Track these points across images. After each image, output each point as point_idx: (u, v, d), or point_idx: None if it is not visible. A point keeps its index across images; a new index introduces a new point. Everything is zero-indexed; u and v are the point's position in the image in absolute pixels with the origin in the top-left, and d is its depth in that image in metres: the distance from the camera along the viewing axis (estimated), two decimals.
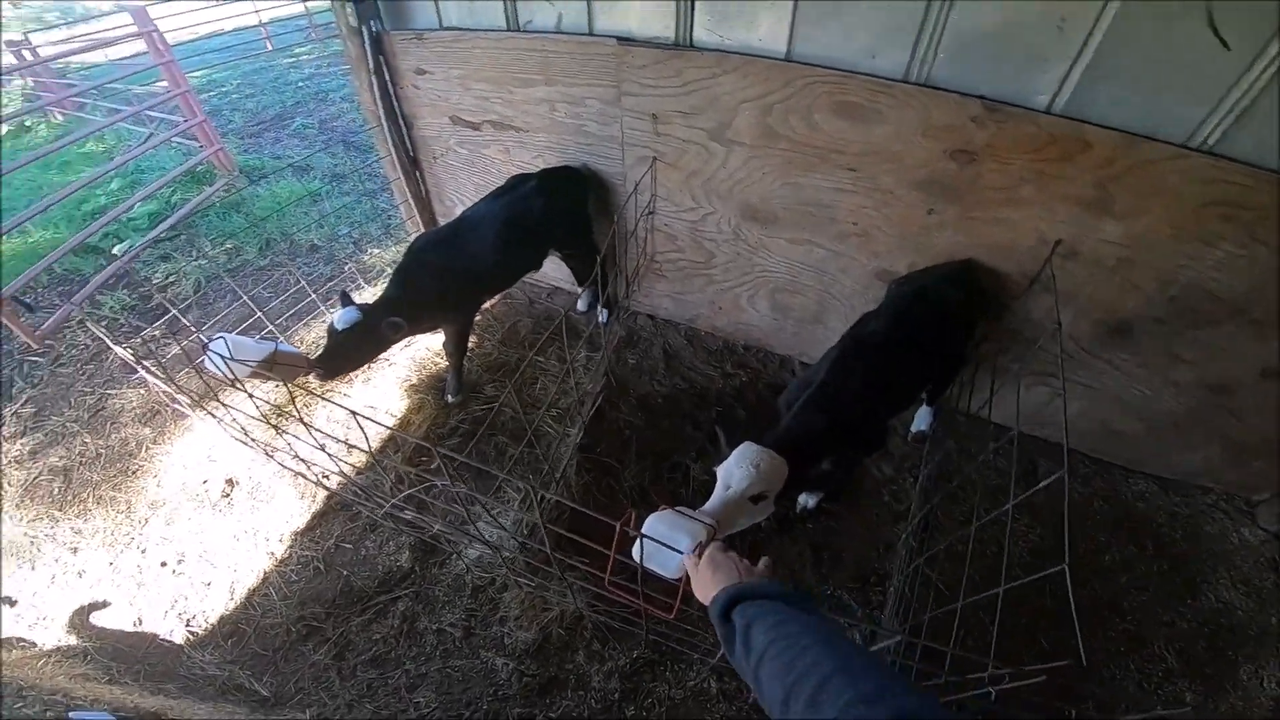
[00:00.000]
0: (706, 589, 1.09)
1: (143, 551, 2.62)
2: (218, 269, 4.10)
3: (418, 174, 3.37)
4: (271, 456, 2.73)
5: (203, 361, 2.04)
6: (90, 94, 6.96)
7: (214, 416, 2.10)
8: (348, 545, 2.57)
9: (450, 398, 2.96)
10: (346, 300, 2.36)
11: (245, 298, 3.05)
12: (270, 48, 11.47)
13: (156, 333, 3.62)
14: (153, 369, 2.32)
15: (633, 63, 2.33)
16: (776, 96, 2.17)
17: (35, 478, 2.92)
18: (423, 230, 3.59)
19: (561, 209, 2.71)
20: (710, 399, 3.02)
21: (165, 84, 5.32)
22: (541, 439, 2.83)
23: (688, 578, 1.23)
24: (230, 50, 11.30)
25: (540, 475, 2.59)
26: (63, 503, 2.81)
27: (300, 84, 8.59)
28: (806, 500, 2.48)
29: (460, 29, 2.64)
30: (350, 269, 3.99)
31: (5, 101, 9.10)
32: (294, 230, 4.44)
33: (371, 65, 2.85)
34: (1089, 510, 2.62)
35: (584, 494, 2.58)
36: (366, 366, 2.93)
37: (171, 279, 4.08)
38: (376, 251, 4.17)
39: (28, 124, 7.95)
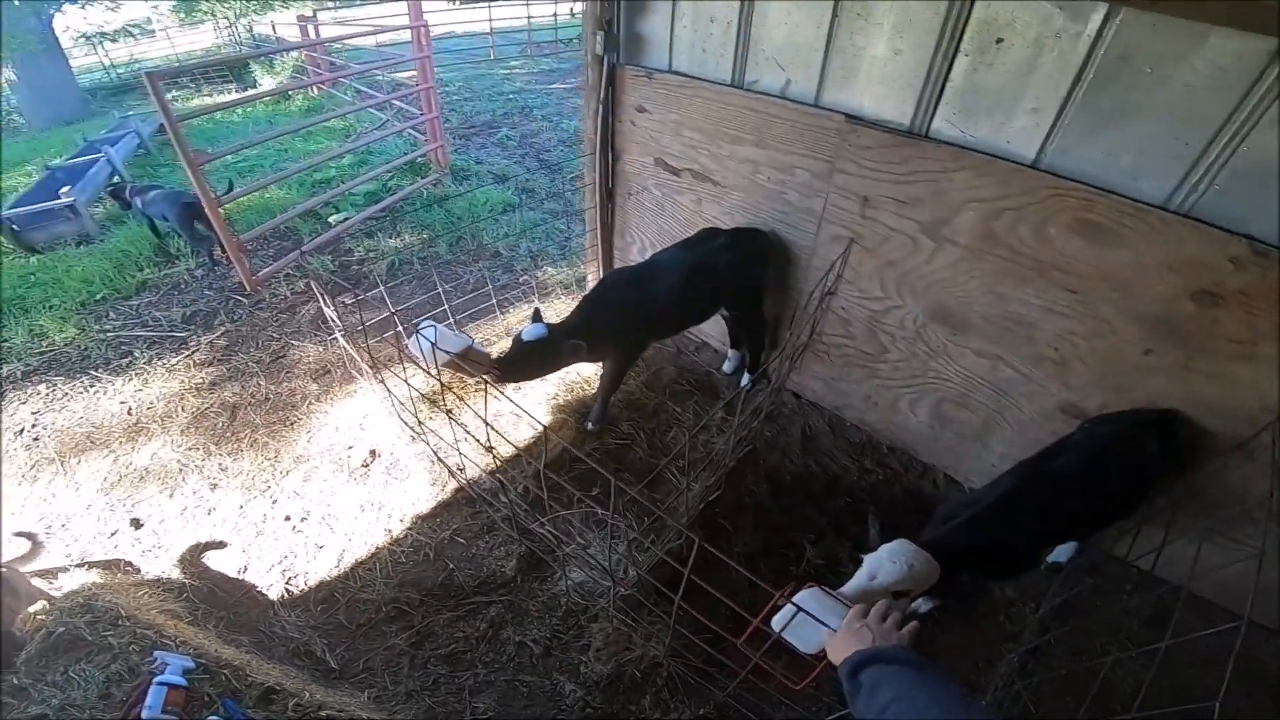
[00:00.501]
0: (840, 650, 1.14)
1: (273, 502, 2.82)
2: (411, 255, 4.51)
3: (610, 206, 3.50)
4: (418, 436, 2.92)
5: (408, 341, 2.22)
6: (350, 76, 8.03)
7: (386, 388, 2.24)
8: (461, 540, 2.63)
9: (590, 425, 3.01)
10: (538, 317, 2.50)
11: (440, 288, 3.29)
12: (493, 56, 12.76)
13: (348, 299, 4.04)
14: (345, 332, 2.58)
15: (857, 142, 2.26)
16: (1012, 202, 2.02)
17: (206, 408, 3.27)
18: (599, 259, 3.73)
19: (744, 269, 2.70)
20: (842, 489, 2.83)
21: (413, 75, 6.01)
22: (661, 484, 2.79)
23: (823, 657, 1.26)
24: (459, 54, 12.71)
25: (651, 520, 2.58)
26: (221, 438, 3.10)
27: (511, 96, 9.42)
28: (920, 604, 2.27)
29: (687, 75, 2.72)
30: (525, 280, 4.22)
31: (278, 69, 10.87)
32: (483, 233, 4.80)
33: (602, 95, 3.00)
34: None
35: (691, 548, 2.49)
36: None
37: (371, 254, 4.56)
38: (550, 270, 4.40)
39: (290, 94, 9.33)
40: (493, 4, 13.47)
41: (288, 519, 2.74)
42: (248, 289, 4.10)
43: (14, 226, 4.82)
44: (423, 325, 2.24)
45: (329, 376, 3.46)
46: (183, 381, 3.46)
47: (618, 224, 3.58)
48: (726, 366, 3.41)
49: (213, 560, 2.62)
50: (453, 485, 2.82)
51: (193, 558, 2.61)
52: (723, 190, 2.85)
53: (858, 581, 1.58)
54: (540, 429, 2.91)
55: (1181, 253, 1.79)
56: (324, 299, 2.36)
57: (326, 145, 6.95)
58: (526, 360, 2.42)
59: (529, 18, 13.56)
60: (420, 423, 2.75)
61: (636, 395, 3.25)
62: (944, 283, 2.34)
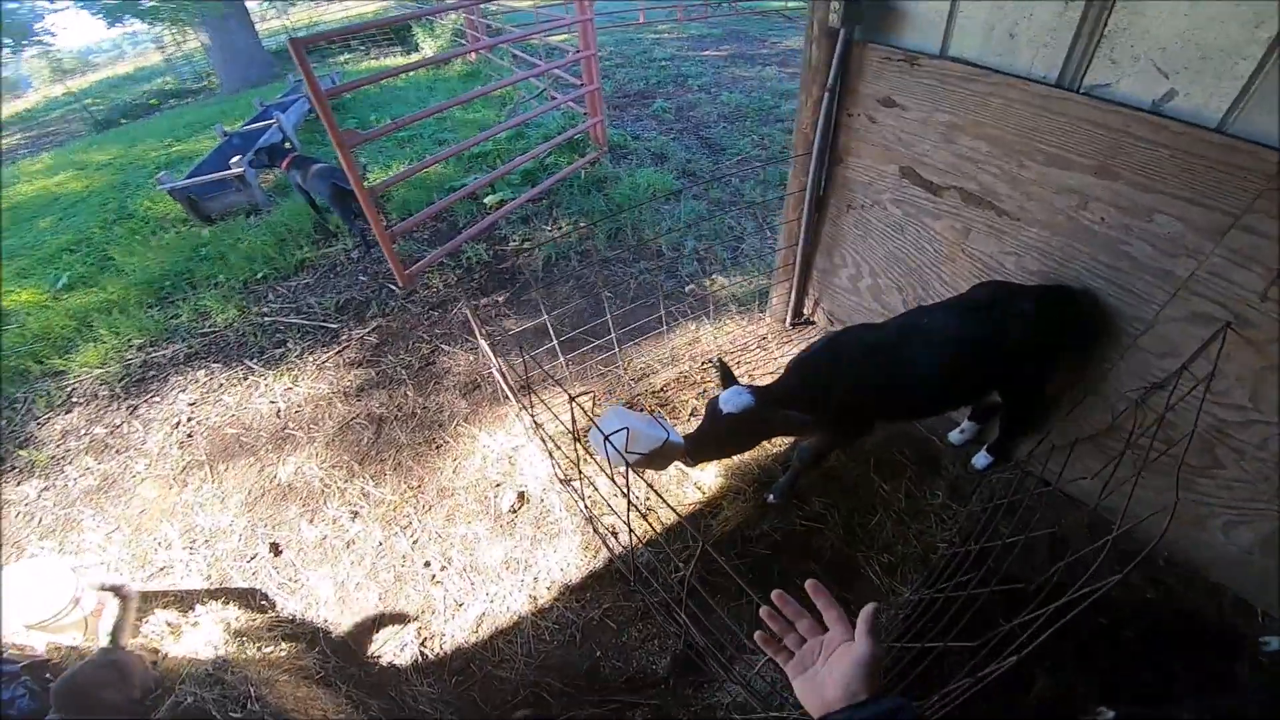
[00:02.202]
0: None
1: (414, 542, 2.56)
2: (568, 248, 4.12)
3: (818, 217, 2.87)
4: (567, 488, 2.53)
5: (592, 440, 1.80)
6: (509, 41, 7.74)
7: (535, 426, 1.83)
8: (612, 624, 2.26)
9: (772, 498, 2.49)
10: (728, 375, 2.00)
11: (602, 296, 2.84)
12: (643, 20, 12.15)
13: (500, 297, 3.71)
14: (503, 375, 2.20)
15: None
16: None
17: (353, 418, 3.08)
18: (793, 280, 3.12)
19: (1048, 349, 2.03)
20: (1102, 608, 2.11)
21: (566, 39, 5.50)
22: (857, 582, 2.29)
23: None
24: (608, 16, 12.23)
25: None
26: (365, 456, 2.89)
27: (663, 63, 8.81)
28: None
29: (978, 65, 2.01)
30: (691, 291, 3.70)
31: (438, 32, 10.90)
32: (644, 226, 4.30)
33: (832, 80, 2.38)
34: None
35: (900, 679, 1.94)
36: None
37: (527, 244, 4.21)
38: (720, 280, 3.83)
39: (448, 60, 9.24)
40: None
41: (428, 565, 2.49)
42: (402, 286, 3.88)
43: (191, 196, 4.94)
44: (607, 418, 1.77)
45: (479, 393, 3.16)
46: (332, 383, 3.31)
47: (824, 240, 2.95)
48: (956, 437, 2.71)
49: (350, 603, 2.41)
50: (605, 554, 2.43)
51: (331, 598, 2.42)
52: (1015, 224, 2.13)
53: None
54: (707, 497, 2.54)
55: None
56: (485, 347, 1.99)
57: (484, 115, 6.74)
58: (727, 438, 1.94)
59: None
60: (576, 469, 2.36)
61: (832, 463, 2.67)
62: None
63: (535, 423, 2.00)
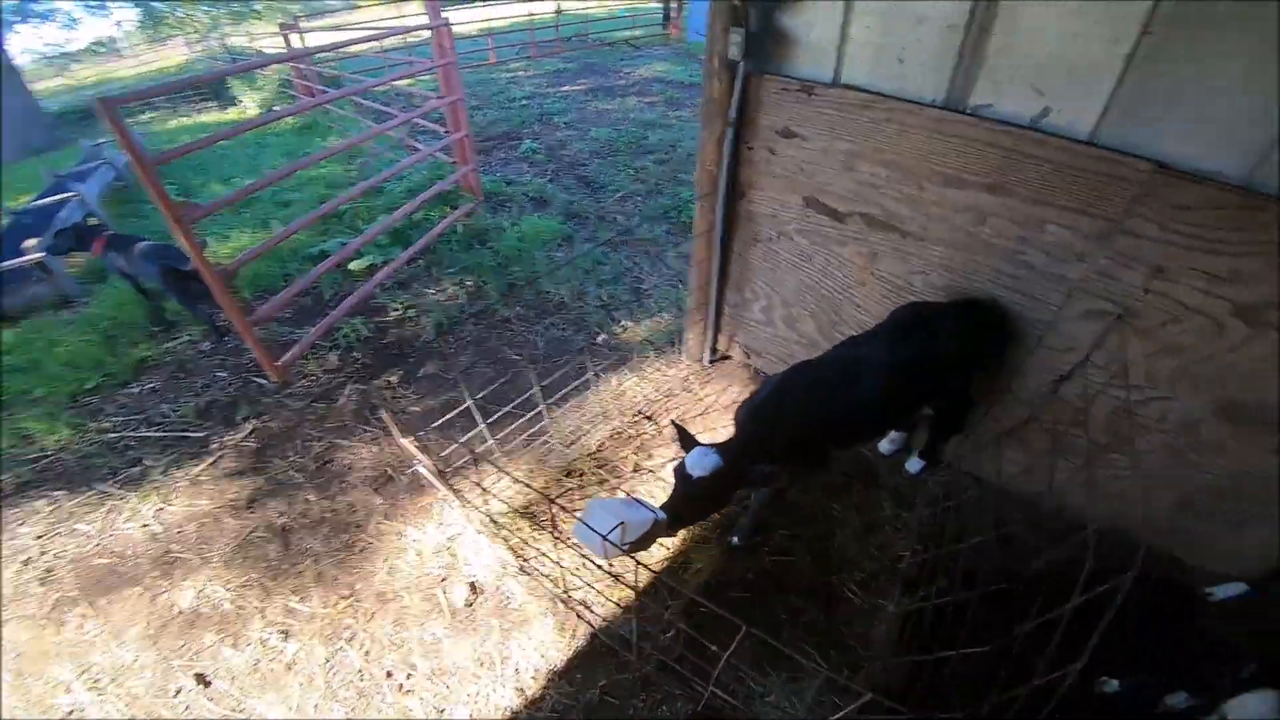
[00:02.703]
0: None
1: (366, 653, 2.28)
2: (459, 311, 3.89)
3: (725, 253, 2.92)
4: (525, 567, 2.36)
5: (575, 531, 1.67)
6: (359, 92, 7.23)
7: (474, 510, 1.67)
8: (613, 699, 2.11)
9: (737, 540, 2.49)
10: (686, 436, 1.96)
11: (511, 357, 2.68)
12: (494, 60, 12.09)
13: (393, 379, 3.41)
14: (434, 472, 2.00)
15: (1169, 199, 1.70)
16: None
17: (251, 533, 2.71)
18: (707, 319, 3.14)
19: (973, 359, 2.18)
20: (1061, 586, 2.29)
21: (421, 83, 5.19)
22: (840, 606, 2.32)
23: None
24: (458, 58, 12.02)
25: (844, 653, 2.18)
26: (278, 571, 2.56)
27: (524, 102, 8.80)
28: None
29: (872, 92, 2.13)
30: (604, 341, 3.63)
31: (260, 84, 10.12)
32: (540, 278, 4.17)
33: (734, 114, 2.42)
34: None
35: (904, 686, 1.99)
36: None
37: (410, 312, 3.92)
38: (630, 325, 3.78)
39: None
40: (488, 3, 12.82)
41: (390, 675, 2.22)
42: (275, 380, 3.45)
43: None
44: (592, 514, 1.68)
45: (393, 485, 2.87)
46: (213, 497, 2.87)
47: (734, 276, 3.01)
48: (886, 447, 2.85)
49: None
50: (585, 629, 2.28)
51: None
52: (919, 244, 2.27)
53: None
54: (669, 550, 2.46)
55: None
56: (406, 446, 1.81)
57: (331, 170, 6.29)
58: (703, 501, 1.90)
59: (530, 15, 12.88)
60: (525, 546, 2.21)
61: (790, 494, 2.69)
62: (1247, 375, 1.84)
63: (489, 516, 1.82)
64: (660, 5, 16.55)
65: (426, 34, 4.67)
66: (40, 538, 2.74)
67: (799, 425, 2.00)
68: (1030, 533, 2.51)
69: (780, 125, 2.41)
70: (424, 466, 1.97)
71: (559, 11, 14.55)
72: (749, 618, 2.23)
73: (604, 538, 1.40)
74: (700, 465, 1.83)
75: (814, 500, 2.65)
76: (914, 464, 2.75)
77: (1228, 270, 1.71)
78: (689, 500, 1.86)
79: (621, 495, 1.83)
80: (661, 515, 1.74)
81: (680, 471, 1.87)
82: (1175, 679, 1.95)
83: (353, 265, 4.33)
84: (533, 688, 2.15)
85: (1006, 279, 2.13)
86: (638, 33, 15.39)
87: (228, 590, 2.48)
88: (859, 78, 2.18)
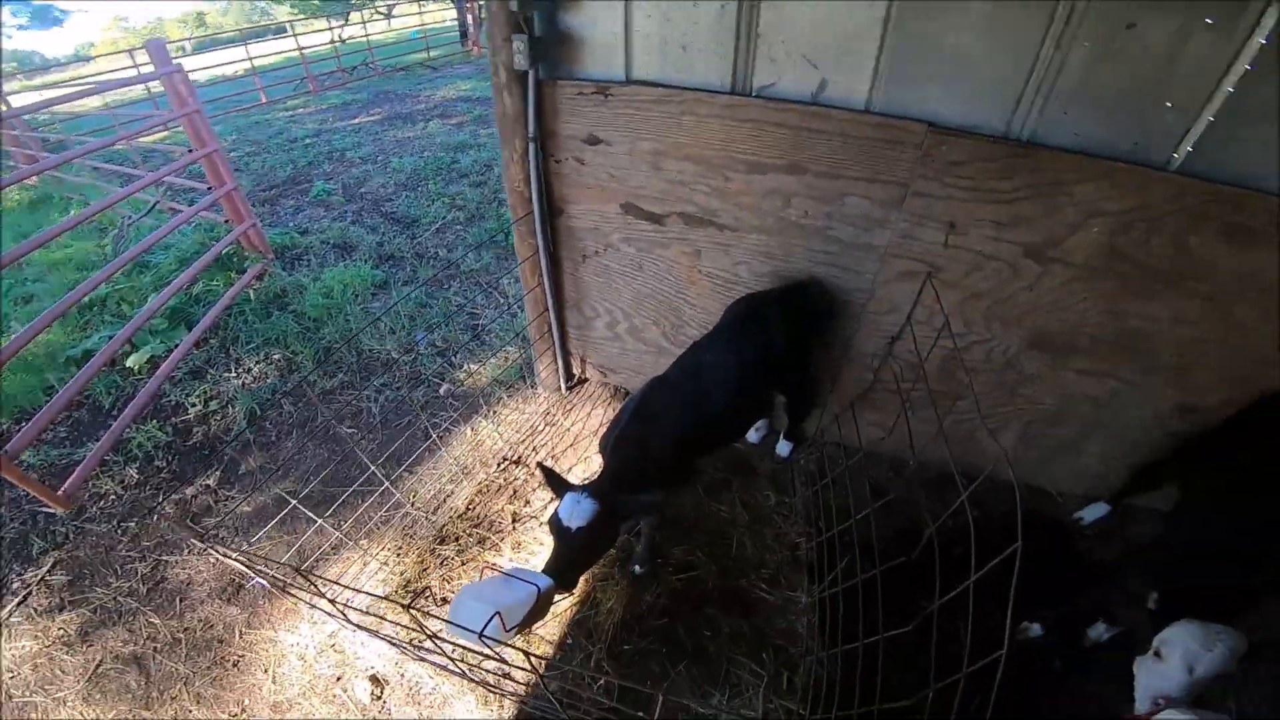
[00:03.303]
0: None
1: None
2: (269, 391, 3.43)
3: (555, 275, 2.80)
4: (421, 655, 2.13)
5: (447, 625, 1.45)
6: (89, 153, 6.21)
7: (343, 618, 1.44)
8: None
9: (638, 568, 2.42)
10: (554, 478, 1.84)
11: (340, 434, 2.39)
12: (264, 100, 11.02)
13: (209, 482, 2.92)
14: (280, 584, 1.72)
15: (945, 156, 1.82)
16: (1149, 213, 1.76)
17: (98, 665, 2.31)
18: (556, 345, 3.02)
19: (804, 340, 2.24)
20: (949, 537, 2.45)
21: (171, 137, 4.55)
22: (756, 607, 2.33)
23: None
24: (219, 104, 10.81)
25: (777, 654, 2.18)
26: (148, 700, 2.21)
27: (307, 141, 8.10)
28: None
29: (664, 85, 2.11)
30: (448, 391, 3.36)
31: None
32: (356, 333, 3.79)
33: (533, 129, 2.29)
34: None
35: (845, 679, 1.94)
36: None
37: (213, 404, 3.40)
38: (472, 368, 3.54)
39: None
40: (249, 43, 11.68)
41: None
42: (64, 511, 2.85)
43: None
44: (462, 608, 1.47)
45: (246, 593, 2.50)
46: (35, 637, 2.43)
47: (569, 296, 2.91)
48: (753, 436, 2.90)
49: None
50: (510, 701, 2.13)
51: None
52: (735, 235, 2.30)
53: (1176, 679, 1.54)
54: (574, 597, 2.31)
55: None
56: (216, 553, 1.52)
57: (78, 248, 5.32)
58: (585, 550, 1.79)
59: (300, 50, 11.86)
60: (420, 632, 1.96)
61: (670, 510, 2.64)
62: (1047, 308, 2.07)
63: (363, 611, 1.54)
64: (456, 22, 16.09)
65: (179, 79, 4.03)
66: None
67: (664, 447, 1.94)
68: (906, 489, 2.66)
69: (584, 133, 2.32)
70: (263, 581, 1.66)
71: (338, 40, 13.60)
72: (672, 640, 2.22)
73: (480, 635, 1.22)
74: (576, 515, 1.71)
75: (697, 507, 2.63)
76: (783, 447, 2.82)
77: (1009, 217, 1.88)
78: (572, 554, 1.74)
79: (494, 572, 1.64)
80: (544, 582, 1.59)
81: (556, 525, 1.74)
82: (1088, 612, 2.11)
83: (130, 361, 3.67)
84: None
85: (821, 256, 2.21)
86: (433, 54, 14.83)
87: None
88: (650, 72, 2.14)
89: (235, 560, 1.52)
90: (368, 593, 1.98)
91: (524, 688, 2.11)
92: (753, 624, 2.27)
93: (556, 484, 1.83)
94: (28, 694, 2.28)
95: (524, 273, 2.80)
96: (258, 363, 3.66)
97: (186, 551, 2.67)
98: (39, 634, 2.44)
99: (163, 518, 2.79)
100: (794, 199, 2.12)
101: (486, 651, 1.29)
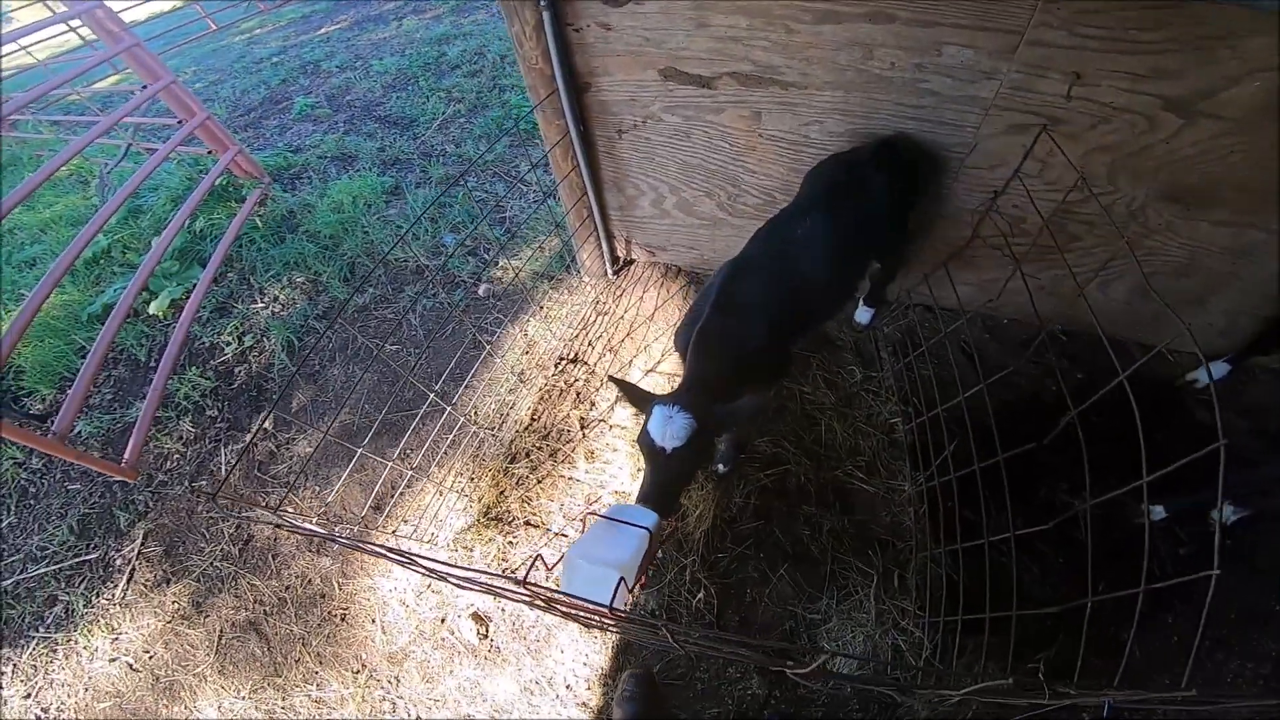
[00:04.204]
0: None
1: (417, 719, 2.12)
2: (301, 317, 3.34)
3: (591, 156, 2.61)
4: (529, 599, 2.19)
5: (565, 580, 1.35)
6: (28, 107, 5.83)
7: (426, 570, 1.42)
8: (676, 682, 2.05)
9: (723, 467, 2.36)
10: (633, 391, 1.73)
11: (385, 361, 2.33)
12: (215, 27, 10.19)
13: (268, 426, 2.91)
14: (355, 539, 1.72)
15: (1073, 4, 1.58)
16: None
17: (221, 637, 2.40)
18: (600, 230, 2.88)
19: (903, 201, 2.05)
20: (1050, 404, 2.43)
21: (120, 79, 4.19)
22: (855, 501, 2.28)
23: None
24: (165, 39, 10.01)
25: (883, 550, 2.15)
26: (276, 666, 2.30)
27: (275, 60, 7.52)
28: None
29: None
30: (489, 291, 3.24)
31: None
32: (381, 246, 3.63)
33: None
34: None
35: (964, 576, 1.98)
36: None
37: (248, 340, 3.32)
38: (510, 264, 3.39)
39: None
40: None
41: None
42: (131, 481, 2.87)
43: None
44: (572, 573, 1.33)
45: (331, 544, 2.52)
46: (156, 614, 2.51)
47: (607, 176, 2.72)
48: (863, 317, 2.76)
49: None
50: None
51: None
52: (803, 93, 2.07)
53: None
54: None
55: None
56: (316, 532, 1.47)
57: (64, 204, 5.09)
58: (685, 472, 1.69)
59: None
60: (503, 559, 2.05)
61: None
62: (1188, 160, 1.88)
63: (452, 580, 1.48)
64: None
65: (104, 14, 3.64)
66: (28, 697, 2.40)
67: (757, 338, 1.79)
68: (999, 353, 2.59)
69: None
70: (344, 541, 1.59)
71: None
72: (770, 546, 2.20)
73: (610, 609, 1.10)
74: (670, 434, 1.57)
75: (776, 393, 2.54)
76: (863, 314, 2.70)
77: (1149, 68, 1.66)
78: (670, 477, 1.63)
79: (594, 516, 1.50)
80: (650, 519, 1.47)
81: (649, 447, 1.61)
82: (1211, 491, 1.96)
83: (153, 308, 3.58)
84: (593, 699, 2.05)
85: (911, 110, 1.98)
86: None
87: (245, 699, 2.26)
88: None
89: (311, 530, 1.45)
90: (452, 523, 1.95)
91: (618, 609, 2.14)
92: (854, 519, 2.23)
93: (636, 397, 1.71)
94: (169, 673, 2.36)
95: (554, 158, 2.59)
96: (283, 289, 3.55)
97: (263, 505, 2.69)
98: (157, 610, 2.51)
99: (230, 497, 2.77)
100: (878, 50, 1.86)
101: (620, 619, 1.17)
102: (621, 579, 1.20)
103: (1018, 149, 1.96)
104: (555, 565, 1.67)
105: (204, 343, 3.37)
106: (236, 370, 3.21)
